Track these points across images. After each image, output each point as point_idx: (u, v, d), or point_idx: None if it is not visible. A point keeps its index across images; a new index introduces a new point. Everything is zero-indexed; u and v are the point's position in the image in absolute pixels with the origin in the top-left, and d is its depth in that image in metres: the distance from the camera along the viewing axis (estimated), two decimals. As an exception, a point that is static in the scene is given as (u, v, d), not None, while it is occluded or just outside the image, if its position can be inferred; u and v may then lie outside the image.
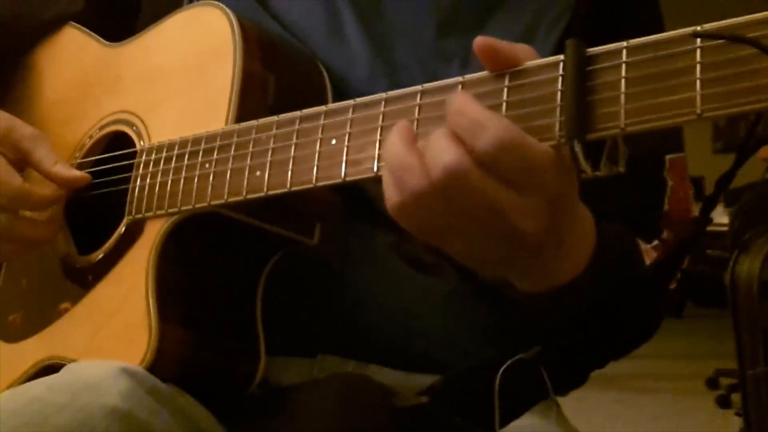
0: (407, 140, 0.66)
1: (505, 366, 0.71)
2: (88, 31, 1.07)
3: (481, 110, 0.62)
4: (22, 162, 0.95)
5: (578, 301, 0.73)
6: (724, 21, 0.55)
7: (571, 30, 0.90)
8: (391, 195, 0.66)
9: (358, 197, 0.88)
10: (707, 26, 0.56)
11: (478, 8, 0.92)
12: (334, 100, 0.87)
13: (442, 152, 0.63)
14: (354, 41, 0.93)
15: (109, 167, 0.96)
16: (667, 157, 0.91)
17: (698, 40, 0.56)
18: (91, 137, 0.99)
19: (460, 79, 0.66)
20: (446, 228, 0.66)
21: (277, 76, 0.87)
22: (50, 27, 1.10)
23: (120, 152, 0.95)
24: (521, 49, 0.66)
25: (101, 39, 1.05)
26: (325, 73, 0.91)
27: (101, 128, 0.99)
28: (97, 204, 0.96)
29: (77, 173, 0.94)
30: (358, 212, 0.89)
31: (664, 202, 0.91)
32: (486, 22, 0.92)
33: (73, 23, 1.09)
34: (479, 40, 0.65)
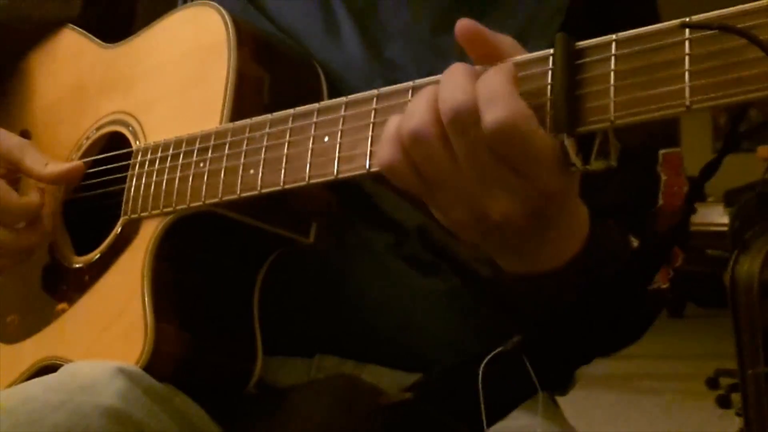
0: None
1: (485, 360, 0.71)
2: (85, 32, 1.07)
3: (506, 83, 0.62)
4: (12, 173, 0.96)
5: (558, 293, 0.73)
6: (713, 12, 0.55)
7: (566, 28, 0.90)
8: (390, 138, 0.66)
9: (357, 197, 0.88)
10: (696, 17, 0.56)
11: (474, 4, 0.92)
12: (330, 99, 0.87)
13: (456, 90, 0.63)
14: (349, 41, 0.93)
15: (106, 168, 0.96)
16: (661, 151, 0.91)
17: (687, 31, 0.56)
18: (88, 138, 0.99)
19: None
20: (435, 177, 0.65)
21: (272, 75, 0.88)
22: (47, 29, 1.10)
23: (116, 152, 0.95)
24: (505, 40, 0.66)
25: (98, 41, 1.05)
26: (320, 72, 0.91)
27: (98, 129, 0.99)
28: (94, 205, 0.97)
29: (69, 165, 0.95)
30: (357, 212, 0.89)
31: (659, 197, 0.91)
32: (482, 18, 0.91)
33: (70, 25, 1.09)
34: (462, 23, 0.65)
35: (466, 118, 0.62)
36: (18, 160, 0.95)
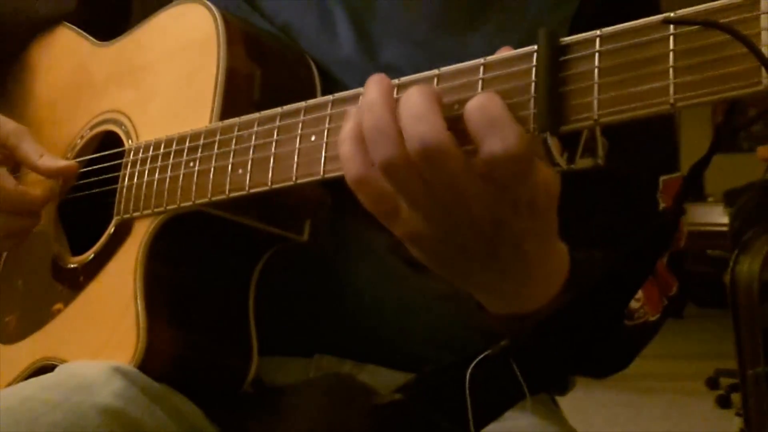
0: (389, 98, 0.64)
1: (473, 363, 0.70)
2: (80, 31, 1.07)
3: (505, 110, 0.60)
4: (8, 159, 0.96)
5: (541, 327, 0.72)
6: (697, 6, 0.54)
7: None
8: (355, 159, 0.64)
9: (355, 198, 0.88)
10: (680, 12, 0.55)
11: (473, 9, 0.92)
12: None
13: (421, 121, 0.61)
14: (345, 41, 0.93)
15: (100, 167, 0.96)
16: (661, 178, 0.90)
17: (671, 26, 0.55)
18: (82, 137, 0.99)
19: (436, 71, 0.66)
20: (406, 205, 0.65)
21: (264, 71, 0.87)
22: (42, 26, 1.10)
23: (108, 152, 0.95)
24: None
25: (93, 39, 1.05)
26: (314, 68, 0.91)
27: (92, 128, 0.99)
28: (89, 205, 0.96)
29: (63, 163, 0.95)
30: (355, 213, 0.88)
31: None
32: (481, 23, 0.91)
33: (66, 23, 1.09)
34: None
35: (438, 153, 0.61)
36: (14, 146, 0.95)
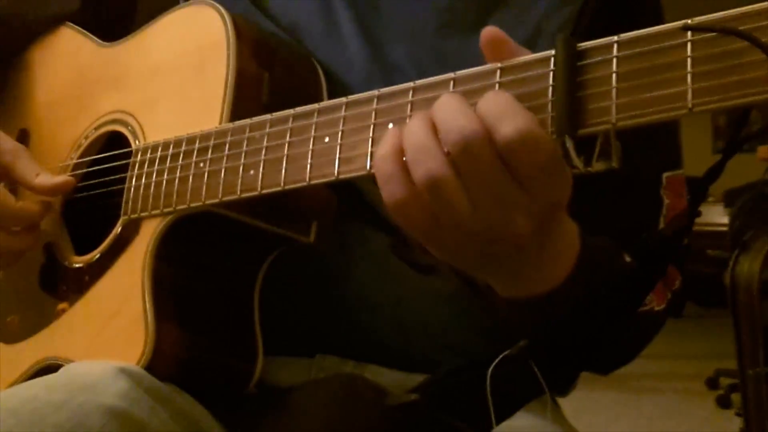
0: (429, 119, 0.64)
1: (494, 364, 0.70)
2: (83, 31, 1.07)
3: (512, 99, 0.62)
4: (4, 177, 0.96)
5: (555, 312, 0.72)
6: (715, 14, 0.55)
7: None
8: (398, 179, 0.64)
9: (357, 197, 0.88)
10: (698, 19, 0.55)
11: (480, 9, 0.92)
12: (330, 99, 0.87)
13: (459, 118, 0.62)
14: (351, 43, 0.93)
15: (105, 167, 0.96)
16: (665, 174, 0.91)
17: (689, 33, 0.55)
18: (87, 137, 0.99)
19: (452, 75, 0.66)
20: (447, 224, 0.64)
21: (272, 74, 0.87)
22: (46, 26, 1.10)
23: (115, 152, 0.95)
24: (525, 53, 0.65)
25: (97, 39, 1.05)
26: (320, 71, 0.91)
27: (97, 128, 0.99)
28: (94, 204, 0.96)
29: (59, 180, 0.95)
30: (357, 214, 0.89)
31: (660, 221, 0.90)
32: (487, 23, 0.91)
33: (69, 23, 1.09)
34: (488, 29, 0.65)
35: (478, 142, 0.61)
36: (10, 166, 0.95)
